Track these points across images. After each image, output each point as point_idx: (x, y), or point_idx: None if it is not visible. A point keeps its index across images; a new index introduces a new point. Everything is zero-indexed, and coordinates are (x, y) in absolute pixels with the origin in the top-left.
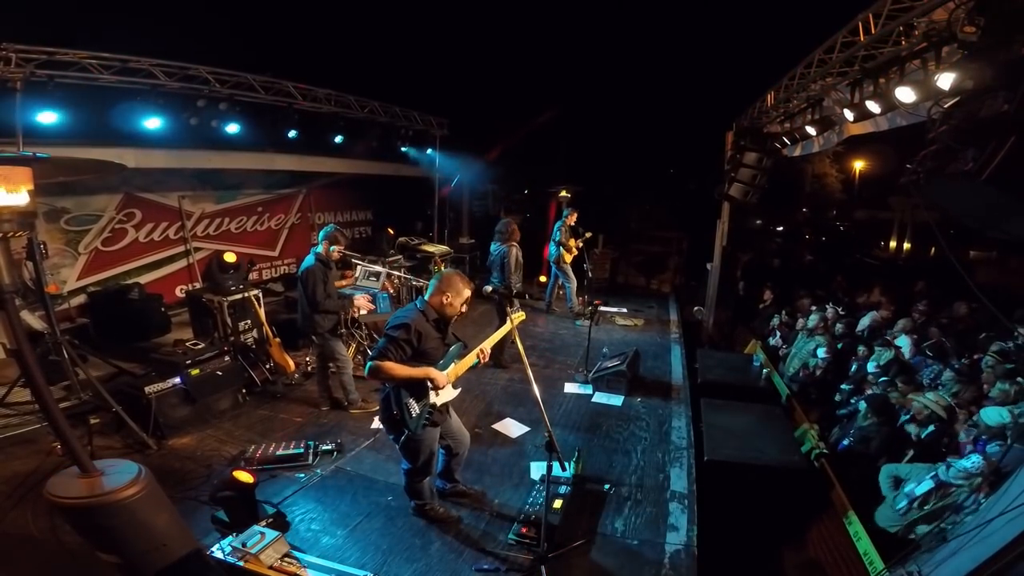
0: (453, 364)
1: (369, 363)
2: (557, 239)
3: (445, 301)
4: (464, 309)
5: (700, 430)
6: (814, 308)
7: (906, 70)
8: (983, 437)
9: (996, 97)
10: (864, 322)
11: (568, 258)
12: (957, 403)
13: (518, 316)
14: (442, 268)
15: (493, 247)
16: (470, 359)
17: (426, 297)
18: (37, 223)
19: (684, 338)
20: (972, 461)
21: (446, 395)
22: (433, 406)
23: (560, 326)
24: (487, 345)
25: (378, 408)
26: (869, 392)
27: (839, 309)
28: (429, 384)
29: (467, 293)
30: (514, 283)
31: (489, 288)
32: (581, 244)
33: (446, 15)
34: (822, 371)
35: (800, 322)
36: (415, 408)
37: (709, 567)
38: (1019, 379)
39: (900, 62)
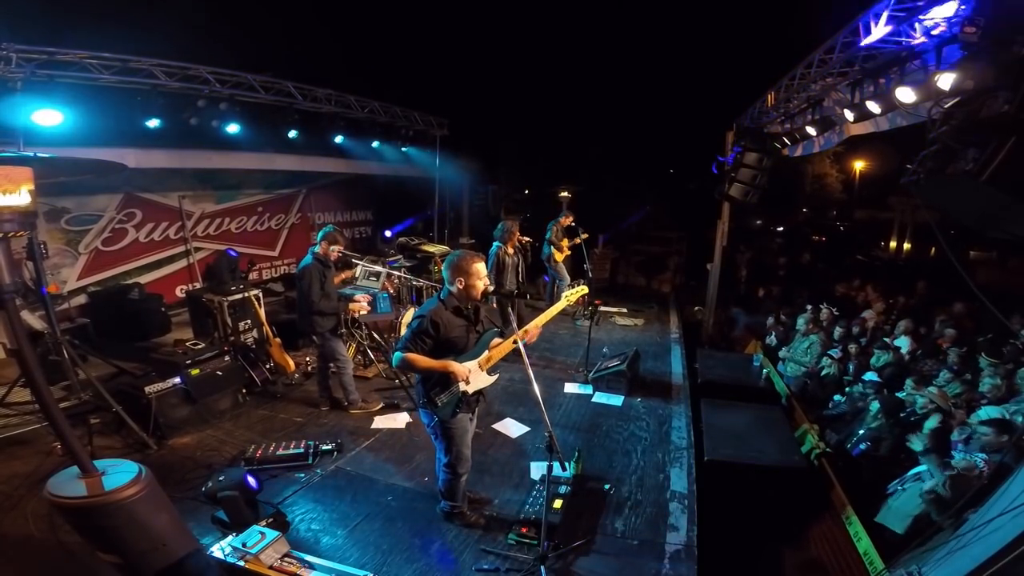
0: (486, 351)
1: (395, 353)
2: (548, 237)
3: (461, 285)
4: (486, 285)
5: (700, 430)
6: (808, 308)
7: (906, 70)
8: (974, 435)
9: (996, 97)
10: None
11: (559, 257)
12: (955, 403)
13: (579, 290)
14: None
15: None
16: (507, 346)
17: (447, 287)
18: (37, 223)
19: (684, 338)
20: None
21: (479, 382)
22: (465, 394)
23: (560, 326)
24: (533, 326)
25: (380, 407)
26: (872, 392)
27: (833, 309)
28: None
29: (479, 266)
30: (503, 283)
31: (491, 288)
32: (579, 241)
33: (446, 15)
34: (823, 369)
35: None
36: (443, 396)
37: (709, 567)
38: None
39: (900, 62)
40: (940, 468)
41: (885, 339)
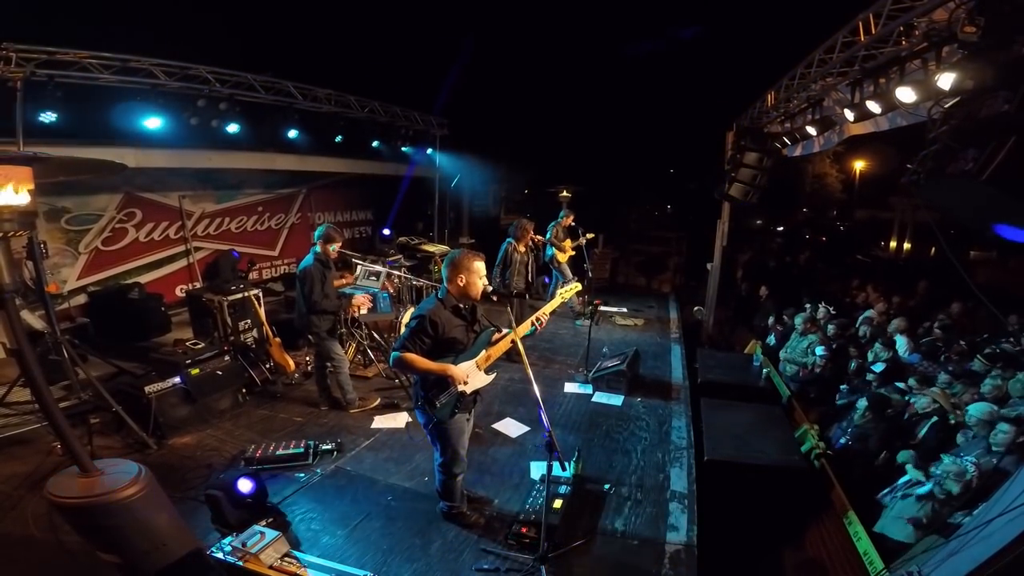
0: (484, 351)
1: (393, 354)
2: (548, 237)
3: (462, 283)
4: (486, 284)
5: (700, 430)
6: (808, 307)
7: (906, 70)
8: (974, 435)
9: (996, 97)
10: (860, 320)
11: (562, 257)
12: (955, 404)
13: (572, 287)
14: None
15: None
16: (505, 343)
17: (446, 285)
18: (37, 223)
19: (684, 338)
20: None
21: (477, 382)
22: (463, 394)
23: (560, 326)
24: (543, 313)
25: (378, 403)
26: (869, 390)
27: (830, 308)
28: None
29: (480, 265)
30: (500, 281)
31: (490, 288)
32: (582, 242)
33: (446, 16)
34: (821, 368)
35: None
36: (442, 396)
37: (709, 567)
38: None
39: (900, 62)
40: (933, 473)
41: (884, 338)
